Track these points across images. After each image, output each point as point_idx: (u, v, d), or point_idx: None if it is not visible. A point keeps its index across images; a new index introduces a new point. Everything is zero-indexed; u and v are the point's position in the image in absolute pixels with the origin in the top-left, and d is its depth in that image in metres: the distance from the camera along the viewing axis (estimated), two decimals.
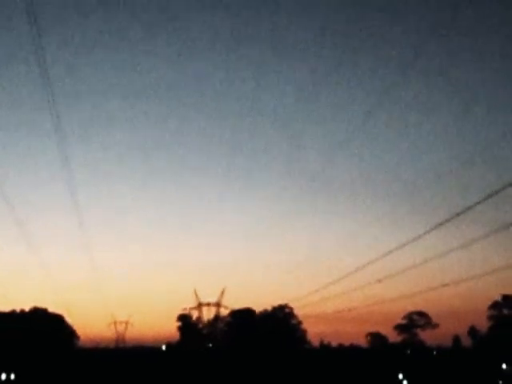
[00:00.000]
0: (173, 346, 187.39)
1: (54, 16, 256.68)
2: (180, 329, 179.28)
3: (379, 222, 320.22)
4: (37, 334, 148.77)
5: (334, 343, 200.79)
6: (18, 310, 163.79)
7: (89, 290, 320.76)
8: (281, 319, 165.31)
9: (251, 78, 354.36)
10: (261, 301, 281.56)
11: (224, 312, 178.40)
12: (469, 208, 38.87)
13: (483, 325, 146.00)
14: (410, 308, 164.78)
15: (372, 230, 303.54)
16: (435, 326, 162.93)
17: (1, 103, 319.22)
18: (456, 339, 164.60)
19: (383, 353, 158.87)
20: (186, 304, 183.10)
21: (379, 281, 69.19)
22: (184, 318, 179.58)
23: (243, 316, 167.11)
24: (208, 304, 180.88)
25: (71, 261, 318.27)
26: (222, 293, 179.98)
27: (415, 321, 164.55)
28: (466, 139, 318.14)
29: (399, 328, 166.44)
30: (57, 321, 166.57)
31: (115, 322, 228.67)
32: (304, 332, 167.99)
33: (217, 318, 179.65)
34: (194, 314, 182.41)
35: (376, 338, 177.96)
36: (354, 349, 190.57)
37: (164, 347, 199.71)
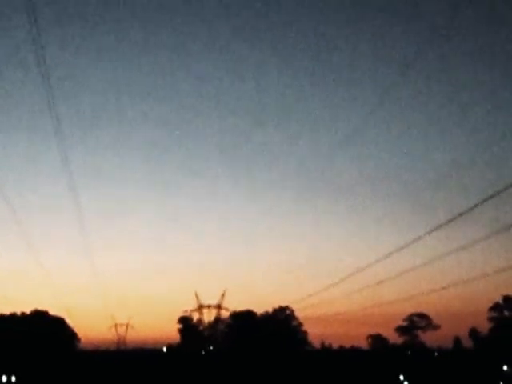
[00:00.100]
0: (174, 348, 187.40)
1: (53, 16, 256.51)
2: (181, 331, 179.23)
3: (380, 224, 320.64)
4: (38, 336, 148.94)
5: (335, 345, 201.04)
6: (18, 312, 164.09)
7: (89, 292, 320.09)
8: (282, 321, 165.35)
9: (251, 79, 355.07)
10: (261, 302, 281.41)
11: (225, 314, 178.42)
12: (469, 209, 38.98)
13: (484, 326, 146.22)
14: (411, 310, 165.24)
15: (373, 232, 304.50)
16: (436, 327, 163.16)
17: (1, 105, 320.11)
18: (457, 341, 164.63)
19: (384, 355, 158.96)
20: (186, 306, 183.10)
21: (380, 283, 69.40)
22: (185, 320, 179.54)
23: (244, 318, 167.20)
24: (209, 306, 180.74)
25: (72, 263, 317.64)
26: (223, 295, 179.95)
27: (416, 322, 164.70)
28: (467, 140, 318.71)
29: (400, 330, 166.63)
30: (58, 323, 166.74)
31: (116, 325, 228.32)
32: (305, 334, 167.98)
33: (218, 320, 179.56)
34: (195, 316, 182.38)
35: (377, 339, 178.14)
36: (354, 351, 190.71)
37: (165, 349, 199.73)
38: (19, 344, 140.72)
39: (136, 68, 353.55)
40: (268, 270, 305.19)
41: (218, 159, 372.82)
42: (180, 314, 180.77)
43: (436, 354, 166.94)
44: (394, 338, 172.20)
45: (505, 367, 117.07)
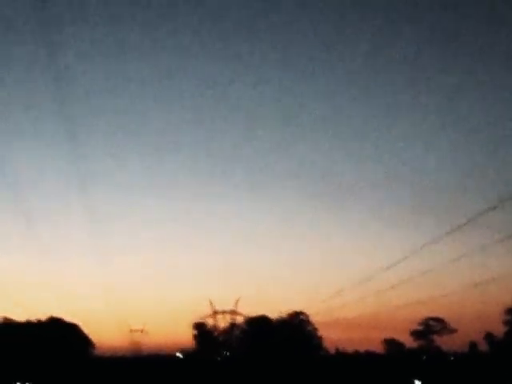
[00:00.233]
0: (189, 354, 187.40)
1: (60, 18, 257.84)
2: (196, 337, 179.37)
3: (395, 228, 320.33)
4: (53, 343, 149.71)
5: (350, 350, 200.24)
6: (34, 319, 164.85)
7: (103, 298, 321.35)
8: (296, 326, 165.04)
9: (251, 80, 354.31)
10: (275, 307, 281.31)
11: (239, 319, 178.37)
12: (484, 213, 38.96)
13: (499, 330, 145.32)
14: (425, 313, 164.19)
15: (386, 236, 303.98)
16: (452, 331, 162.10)
17: (13, 110, 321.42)
18: (473, 345, 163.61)
19: (399, 359, 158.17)
20: (200, 311, 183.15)
21: (394, 286, 69.26)
22: (200, 326, 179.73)
23: (259, 323, 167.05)
24: (223, 312, 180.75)
25: (86, 269, 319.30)
26: (237, 301, 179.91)
27: (432, 326, 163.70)
28: (484, 143, 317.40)
29: (415, 334, 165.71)
30: (72, 330, 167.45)
31: (131, 331, 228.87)
32: (320, 339, 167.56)
33: (233, 325, 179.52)
34: (210, 322, 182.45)
35: (392, 344, 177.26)
36: (370, 355, 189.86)
37: (180, 355, 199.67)
38: (35, 351, 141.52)
39: (138, 71, 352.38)
40: (281, 275, 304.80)
41: (232, 166, 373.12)
42: (194, 319, 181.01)
43: (452, 358, 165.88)
44: (409, 343, 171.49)
45: None
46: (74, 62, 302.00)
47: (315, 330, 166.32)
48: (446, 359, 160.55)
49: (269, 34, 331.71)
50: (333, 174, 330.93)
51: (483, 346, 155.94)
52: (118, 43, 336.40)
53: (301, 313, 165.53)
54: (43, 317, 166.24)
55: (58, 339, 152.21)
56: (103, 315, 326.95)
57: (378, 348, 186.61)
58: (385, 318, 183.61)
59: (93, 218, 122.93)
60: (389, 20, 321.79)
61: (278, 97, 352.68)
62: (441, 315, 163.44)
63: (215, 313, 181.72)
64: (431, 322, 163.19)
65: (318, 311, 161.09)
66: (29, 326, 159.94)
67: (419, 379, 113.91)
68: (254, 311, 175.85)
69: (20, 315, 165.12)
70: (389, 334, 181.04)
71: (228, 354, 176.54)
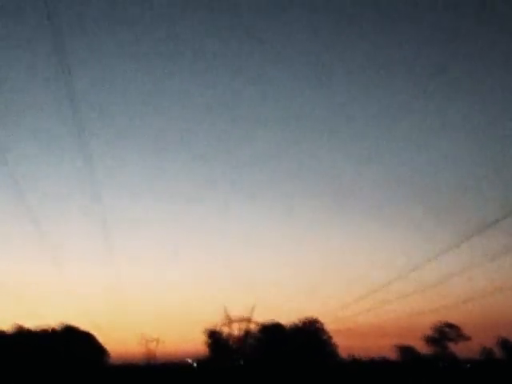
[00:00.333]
0: (204, 362, 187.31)
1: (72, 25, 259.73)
2: (210, 345, 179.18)
3: (409, 236, 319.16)
4: (68, 352, 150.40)
5: (364, 357, 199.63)
6: (49, 328, 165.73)
7: (118, 307, 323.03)
8: (311, 333, 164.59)
9: (252, 80, 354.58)
10: (289, 315, 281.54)
11: (253, 327, 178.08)
12: (497, 220, 38.99)
13: None
14: (440, 320, 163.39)
15: (400, 243, 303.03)
16: (467, 338, 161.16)
17: (24, 114, 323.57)
18: (488, 351, 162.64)
19: (414, 366, 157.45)
20: (214, 319, 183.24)
21: (409, 294, 69.19)
22: (214, 334, 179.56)
23: (273, 331, 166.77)
24: (238, 320, 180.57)
25: (101, 279, 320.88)
26: (252, 309, 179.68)
27: (446, 333, 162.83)
28: (493, 147, 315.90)
29: (430, 341, 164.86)
30: (87, 339, 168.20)
31: (145, 339, 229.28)
32: (335, 346, 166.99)
33: (247, 333, 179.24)
34: (224, 330, 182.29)
35: (406, 351, 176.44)
36: (384, 362, 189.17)
37: (195, 364, 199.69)
38: (50, 360, 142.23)
39: (145, 75, 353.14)
40: (295, 282, 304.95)
41: (248, 172, 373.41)
42: (208, 327, 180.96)
43: (468, 365, 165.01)
44: (423, 349, 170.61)
45: None
46: (74, 62, 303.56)
47: (330, 337, 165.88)
48: (462, 367, 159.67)
49: (269, 34, 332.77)
50: (343, 185, 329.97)
51: (498, 353, 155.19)
52: (119, 44, 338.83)
53: (315, 320, 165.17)
54: (58, 325, 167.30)
55: (72, 348, 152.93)
56: (117, 324, 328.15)
57: (392, 355, 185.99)
58: (398, 324, 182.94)
59: (106, 227, 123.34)
60: (389, 20, 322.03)
61: (278, 97, 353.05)
62: (454, 322, 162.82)
63: (230, 321, 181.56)
64: (445, 329, 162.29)
65: (330, 320, 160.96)
66: (43, 334, 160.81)
67: None
68: (267, 318, 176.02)
69: (34, 323, 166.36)
70: (403, 341, 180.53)
71: (242, 361, 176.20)
